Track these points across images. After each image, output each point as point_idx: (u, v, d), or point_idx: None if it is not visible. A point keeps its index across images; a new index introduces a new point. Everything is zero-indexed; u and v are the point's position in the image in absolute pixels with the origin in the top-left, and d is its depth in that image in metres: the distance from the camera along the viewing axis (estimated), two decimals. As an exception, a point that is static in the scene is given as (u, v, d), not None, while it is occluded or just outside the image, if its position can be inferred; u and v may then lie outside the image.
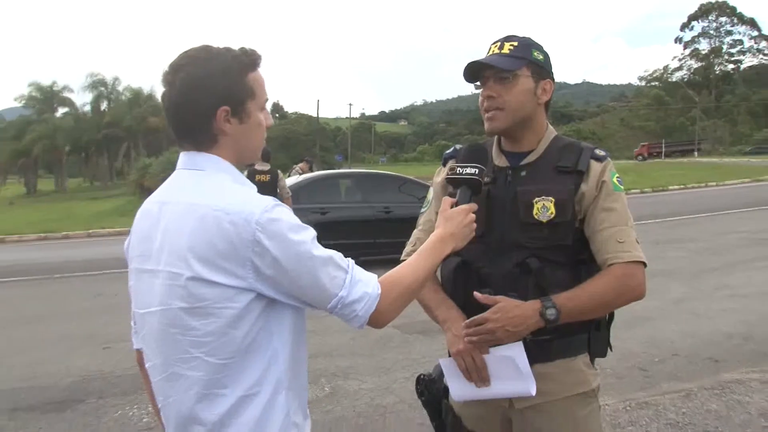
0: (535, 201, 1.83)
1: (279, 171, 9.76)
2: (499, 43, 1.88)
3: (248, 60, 1.49)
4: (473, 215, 1.69)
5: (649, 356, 5.46)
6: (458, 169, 1.80)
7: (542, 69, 1.88)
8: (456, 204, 1.71)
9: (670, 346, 5.73)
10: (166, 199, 1.48)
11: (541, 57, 1.88)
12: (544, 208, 1.82)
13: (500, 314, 1.73)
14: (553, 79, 1.92)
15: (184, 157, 1.51)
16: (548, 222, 1.82)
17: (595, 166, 1.86)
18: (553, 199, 1.82)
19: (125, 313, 1.60)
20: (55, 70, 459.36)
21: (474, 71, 1.88)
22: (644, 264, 1.82)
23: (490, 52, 1.89)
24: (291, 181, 11.06)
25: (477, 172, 1.77)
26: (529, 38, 1.91)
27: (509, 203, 1.86)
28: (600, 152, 1.89)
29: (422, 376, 2.02)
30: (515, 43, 1.87)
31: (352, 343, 6.06)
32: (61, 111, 65.12)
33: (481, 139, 2.08)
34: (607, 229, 1.81)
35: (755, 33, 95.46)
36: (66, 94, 64.93)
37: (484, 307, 1.80)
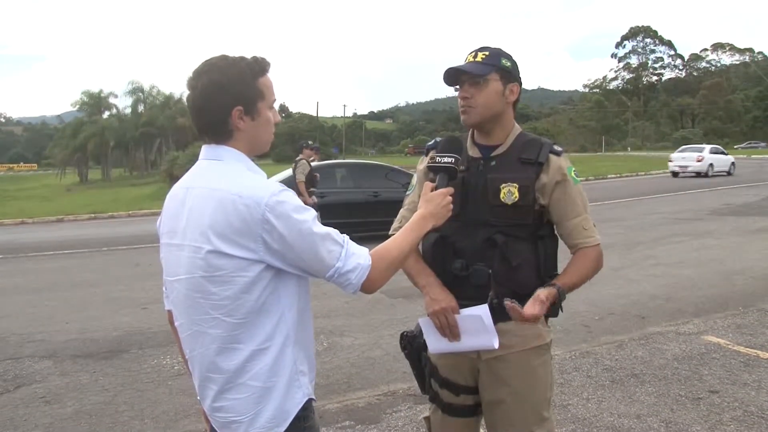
0: (502, 186, 1.81)
1: (304, 161, 9.54)
2: (473, 53, 1.85)
3: (259, 67, 1.45)
4: (450, 198, 1.65)
5: (590, 314, 5.49)
6: (437, 158, 1.77)
7: (510, 74, 1.85)
8: (435, 188, 1.67)
9: (607, 306, 5.76)
10: (191, 185, 1.45)
11: (508, 64, 1.84)
12: (510, 193, 1.80)
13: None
14: (520, 83, 1.88)
15: (205, 149, 1.48)
16: (512, 204, 1.80)
17: (554, 159, 1.84)
18: (517, 185, 1.80)
19: (159, 280, 1.58)
20: (102, 79, 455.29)
21: (452, 76, 1.84)
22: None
23: (466, 61, 1.85)
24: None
25: (453, 161, 1.73)
26: (500, 49, 1.87)
27: (480, 188, 1.83)
28: (557, 148, 1.87)
29: (405, 333, 2.00)
30: (487, 53, 1.83)
31: (347, 305, 6.02)
32: (107, 113, 64.92)
33: (455, 134, 2.05)
34: (573, 219, 1.85)
35: (672, 52, 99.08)
36: (111, 100, 64.66)
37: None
